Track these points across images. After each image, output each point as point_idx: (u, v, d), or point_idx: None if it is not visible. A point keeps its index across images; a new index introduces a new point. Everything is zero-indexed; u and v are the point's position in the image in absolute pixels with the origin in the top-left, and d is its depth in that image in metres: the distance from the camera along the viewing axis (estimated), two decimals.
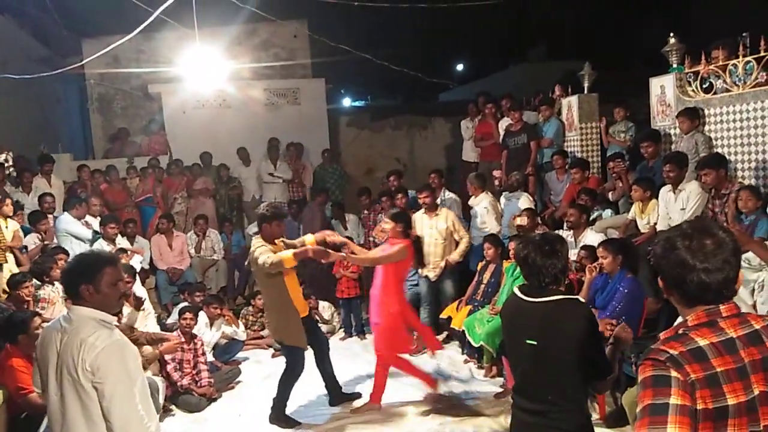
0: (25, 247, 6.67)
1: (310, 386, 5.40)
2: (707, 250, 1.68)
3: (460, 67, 25.28)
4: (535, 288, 2.66)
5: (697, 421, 1.57)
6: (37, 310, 5.35)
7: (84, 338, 2.42)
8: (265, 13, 8.12)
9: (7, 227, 6.36)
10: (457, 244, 6.78)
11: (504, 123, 8.87)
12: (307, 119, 11.15)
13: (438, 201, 7.30)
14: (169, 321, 7.07)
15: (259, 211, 5.03)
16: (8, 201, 6.52)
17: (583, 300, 4.98)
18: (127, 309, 5.80)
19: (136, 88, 11.63)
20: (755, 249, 4.48)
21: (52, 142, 10.73)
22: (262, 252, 4.66)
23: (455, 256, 6.69)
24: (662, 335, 1.76)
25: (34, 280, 5.71)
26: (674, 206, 5.54)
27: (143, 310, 6.14)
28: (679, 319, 1.83)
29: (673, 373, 1.59)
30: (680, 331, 1.70)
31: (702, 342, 1.63)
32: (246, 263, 7.82)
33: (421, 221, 6.73)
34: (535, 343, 2.55)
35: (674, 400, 1.57)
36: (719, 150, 5.89)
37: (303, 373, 5.04)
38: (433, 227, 6.70)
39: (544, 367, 2.55)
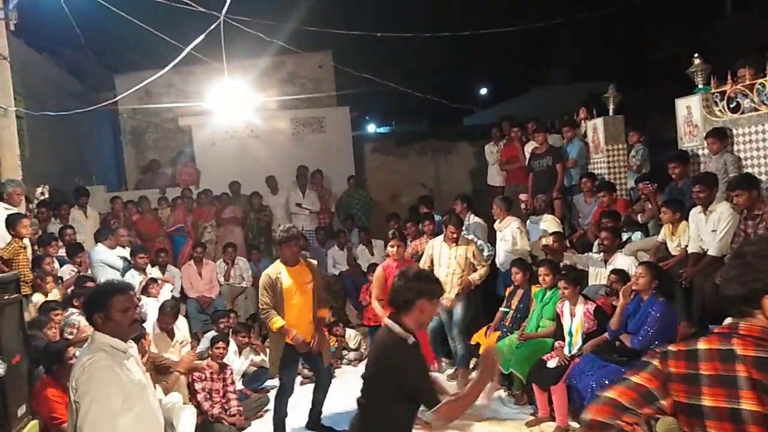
0: (61, 278, 6.85)
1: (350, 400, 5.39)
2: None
3: (483, 90, 25.39)
4: None
5: (654, 404, 1.76)
6: (66, 335, 5.49)
7: (82, 359, 2.59)
8: (291, 46, 8.30)
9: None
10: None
11: (529, 146, 8.87)
12: (333, 147, 11.30)
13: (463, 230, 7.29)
14: (199, 349, 7.15)
15: (277, 234, 5.30)
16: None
17: (612, 325, 4.94)
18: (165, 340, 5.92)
19: (167, 120, 11.95)
20: None
21: (87, 175, 11.06)
22: (262, 290, 5.02)
23: (475, 276, 6.41)
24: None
25: (70, 309, 5.86)
26: (705, 228, 5.45)
27: (181, 341, 6.23)
28: None
29: (654, 362, 1.79)
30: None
31: (702, 346, 1.72)
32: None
33: (439, 249, 6.54)
34: None
35: (636, 378, 1.80)
36: (749, 170, 5.79)
37: (333, 381, 5.40)
38: (452, 257, 6.45)
39: None
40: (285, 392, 5.15)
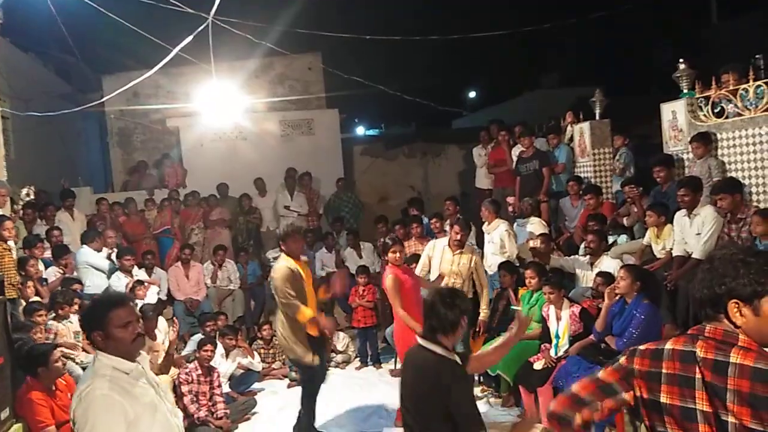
0: (45, 280, 6.79)
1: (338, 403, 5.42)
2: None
3: (472, 94, 25.50)
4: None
5: (614, 396, 1.90)
6: (45, 338, 5.45)
7: (79, 388, 2.37)
8: (280, 47, 8.32)
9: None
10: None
11: (517, 150, 8.92)
12: (322, 149, 11.30)
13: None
14: (185, 351, 7.11)
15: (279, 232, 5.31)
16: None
17: (598, 327, 4.97)
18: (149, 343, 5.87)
19: (155, 122, 11.89)
20: None
21: (73, 176, 10.98)
22: (284, 281, 4.90)
23: (485, 314, 5.97)
24: None
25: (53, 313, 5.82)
26: (689, 231, 5.50)
27: (163, 342, 6.21)
28: None
29: (621, 358, 1.93)
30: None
31: (668, 346, 1.83)
32: (267, 280, 8.02)
33: (441, 254, 6.07)
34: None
35: (599, 374, 1.97)
36: (732, 174, 5.86)
37: (323, 384, 5.22)
38: (455, 264, 5.95)
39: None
40: (316, 382, 5.15)
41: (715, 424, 1.68)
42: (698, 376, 1.72)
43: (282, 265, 5.03)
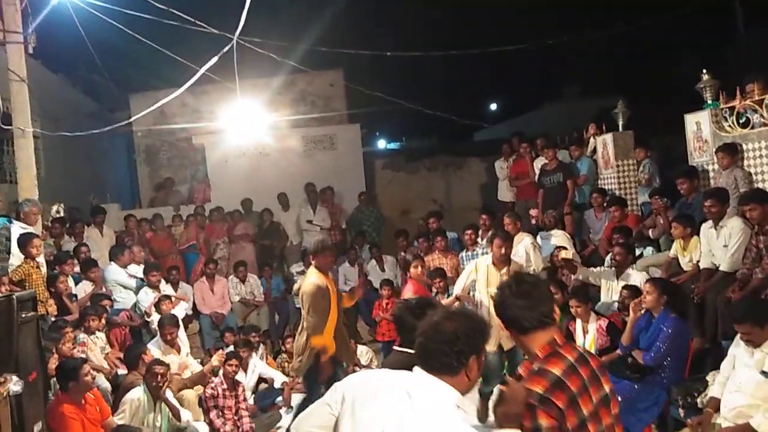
0: (75, 296, 6.93)
1: None
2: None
3: (494, 106, 25.45)
4: None
5: None
6: (77, 353, 5.55)
7: None
8: (302, 65, 8.43)
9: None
10: None
11: (539, 162, 8.90)
12: (343, 164, 11.39)
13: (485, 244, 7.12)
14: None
15: (311, 245, 5.47)
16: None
17: (624, 341, 4.89)
18: (174, 357, 5.99)
19: (181, 139, 12.12)
20: None
21: (101, 193, 11.21)
22: (313, 298, 4.95)
23: None
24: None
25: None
26: (716, 243, 5.42)
27: (188, 353, 6.32)
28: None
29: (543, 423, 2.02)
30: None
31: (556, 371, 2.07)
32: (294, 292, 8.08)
33: (486, 274, 5.56)
34: None
35: None
36: (759, 185, 5.77)
37: None
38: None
39: None
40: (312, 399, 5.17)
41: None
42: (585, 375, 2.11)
43: (312, 281, 5.08)
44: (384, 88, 9.48)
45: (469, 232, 7.53)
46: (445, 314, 2.07)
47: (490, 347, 5.04)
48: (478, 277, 5.57)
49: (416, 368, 2.00)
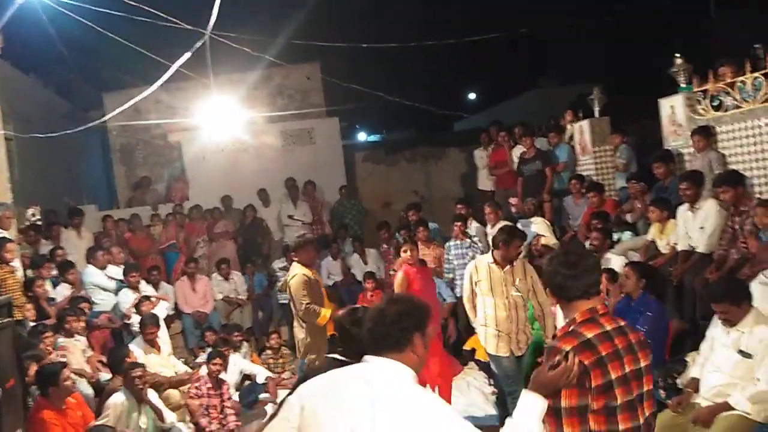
0: (53, 299, 6.83)
1: None
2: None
3: (472, 95, 25.49)
4: None
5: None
6: (57, 356, 5.49)
7: None
8: (278, 59, 8.36)
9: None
10: None
11: (517, 150, 8.94)
12: (323, 158, 11.33)
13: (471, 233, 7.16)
14: (198, 361, 7.18)
15: (294, 240, 5.33)
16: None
17: None
18: (155, 357, 5.94)
19: (156, 137, 11.95)
20: None
21: (77, 194, 11.04)
22: (301, 289, 5.02)
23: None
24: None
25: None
26: (693, 225, 5.50)
27: (169, 353, 6.27)
28: None
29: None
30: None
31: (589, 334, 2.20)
32: (279, 288, 8.17)
33: (487, 274, 4.87)
34: None
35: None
36: (732, 167, 5.85)
37: None
38: (509, 283, 4.81)
39: None
40: None
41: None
42: (620, 345, 2.22)
43: (297, 273, 5.11)
44: (362, 81, 9.45)
45: (458, 224, 7.44)
46: (389, 300, 2.19)
47: (504, 353, 4.81)
48: (480, 278, 4.90)
49: (366, 356, 2.09)
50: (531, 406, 2.10)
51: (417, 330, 2.08)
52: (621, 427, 2.16)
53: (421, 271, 5.58)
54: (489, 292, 4.83)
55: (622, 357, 2.19)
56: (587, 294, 2.28)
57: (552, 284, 2.35)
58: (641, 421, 2.22)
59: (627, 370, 2.19)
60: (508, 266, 4.83)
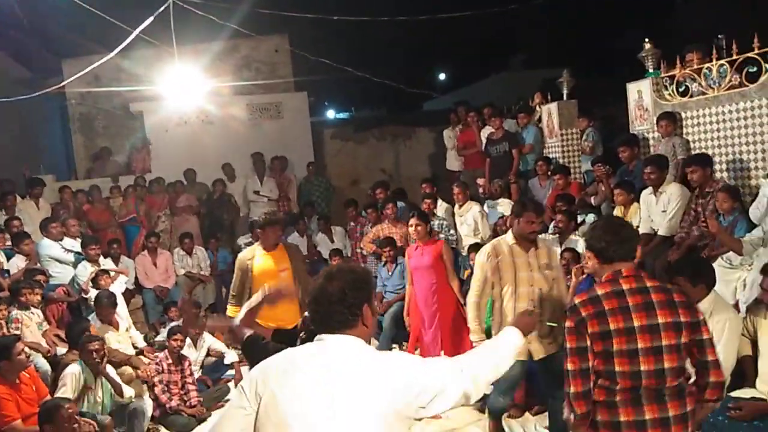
0: (7, 271, 6.60)
1: None
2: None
3: (442, 76, 25.44)
4: None
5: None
6: (11, 330, 5.32)
7: None
8: (245, 29, 8.15)
9: None
10: None
11: (486, 131, 8.94)
12: (291, 133, 11.16)
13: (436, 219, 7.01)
14: (158, 339, 7.05)
15: (261, 216, 5.14)
16: None
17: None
18: (113, 334, 5.82)
19: (117, 107, 11.58)
20: (730, 244, 4.57)
21: (35, 164, 10.65)
22: (236, 276, 4.86)
23: None
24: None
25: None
26: (655, 208, 5.59)
27: (127, 329, 6.15)
28: None
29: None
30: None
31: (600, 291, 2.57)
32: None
33: (510, 258, 4.05)
34: None
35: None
36: (696, 152, 5.95)
37: None
38: (536, 269, 4.05)
39: None
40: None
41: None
42: (631, 302, 2.53)
43: (242, 254, 5.02)
44: (332, 57, 9.30)
45: (428, 201, 7.30)
46: (327, 275, 2.08)
47: (521, 356, 3.78)
48: (503, 264, 4.05)
49: (318, 336, 2.03)
50: (511, 331, 2.36)
51: (364, 301, 2.03)
52: (617, 368, 2.50)
53: (428, 251, 5.48)
54: (511, 281, 4.02)
55: (630, 312, 2.49)
56: (623, 258, 2.62)
57: (593, 247, 2.71)
58: (647, 367, 2.47)
59: (636, 324, 2.48)
60: (532, 248, 4.08)
